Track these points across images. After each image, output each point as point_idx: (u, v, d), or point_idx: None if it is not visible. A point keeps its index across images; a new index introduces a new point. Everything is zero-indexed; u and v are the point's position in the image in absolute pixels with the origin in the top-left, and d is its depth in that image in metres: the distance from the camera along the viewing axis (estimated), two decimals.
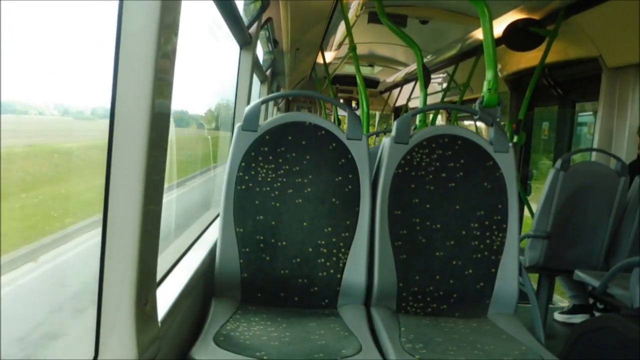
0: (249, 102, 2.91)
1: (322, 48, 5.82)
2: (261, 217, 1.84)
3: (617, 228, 3.10)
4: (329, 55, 6.60)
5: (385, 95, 10.27)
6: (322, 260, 1.86)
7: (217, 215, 1.96)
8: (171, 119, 1.19)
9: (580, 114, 4.66)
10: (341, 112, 7.12)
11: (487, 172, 1.94)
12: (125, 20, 1.01)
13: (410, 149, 1.94)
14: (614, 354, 1.85)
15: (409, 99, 8.07)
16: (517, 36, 3.90)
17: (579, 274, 2.77)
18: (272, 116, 1.94)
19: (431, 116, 5.62)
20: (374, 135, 7.61)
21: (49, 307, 1.26)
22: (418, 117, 3.75)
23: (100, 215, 1.06)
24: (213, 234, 2.09)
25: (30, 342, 1.12)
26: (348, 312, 1.80)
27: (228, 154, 1.88)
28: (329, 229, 1.87)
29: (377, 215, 1.88)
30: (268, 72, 5.19)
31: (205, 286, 1.83)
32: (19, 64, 0.94)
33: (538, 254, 3.08)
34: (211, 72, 2.97)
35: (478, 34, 4.64)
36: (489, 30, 2.34)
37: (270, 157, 1.87)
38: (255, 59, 3.14)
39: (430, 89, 5.13)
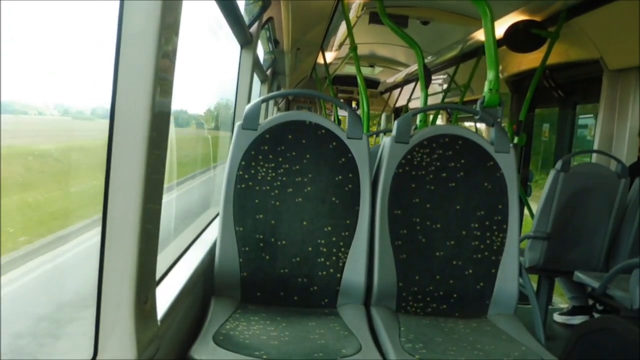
0: (249, 102, 2.90)
1: (322, 48, 5.81)
2: (261, 216, 1.84)
3: (617, 230, 3.10)
4: (330, 56, 6.59)
5: (386, 95, 10.26)
6: (322, 259, 1.85)
7: (217, 215, 1.96)
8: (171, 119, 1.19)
9: (581, 115, 4.65)
10: (341, 112, 7.12)
11: (488, 172, 1.93)
12: (126, 20, 1.01)
13: (410, 148, 1.93)
14: (613, 356, 1.85)
15: (409, 100, 8.07)
16: (518, 37, 3.90)
17: (579, 275, 2.78)
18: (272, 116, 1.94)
19: (432, 116, 5.61)
20: (375, 135, 7.60)
21: None
22: (419, 117, 3.74)
23: (67, 230, 1.01)
24: (213, 233, 2.09)
25: None
26: (348, 311, 1.80)
27: (227, 153, 1.88)
28: (329, 228, 1.86)
29: (377, 214, 1.88)
30: (268, 72, 5.19)
31: (204, 285, 1.83)
32: (16, 63, 0.93)
33: (538, 255, 3.08)
34: (211, 72, 2.97)
35: (479, 35, 4.64)
36: (490, 30, 2.34)
37: (270, 156, 1.86)
38: (255, 59, 3.14)
39: (430, 90, 5.12)
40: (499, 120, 2.09)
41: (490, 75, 2.21)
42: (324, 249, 1.86)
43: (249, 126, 1.87)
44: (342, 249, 1.86)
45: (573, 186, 2.99)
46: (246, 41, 2.89)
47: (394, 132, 1.95)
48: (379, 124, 11.19)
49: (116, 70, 1.02)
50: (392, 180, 1.91)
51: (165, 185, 1.20)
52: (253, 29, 2.91)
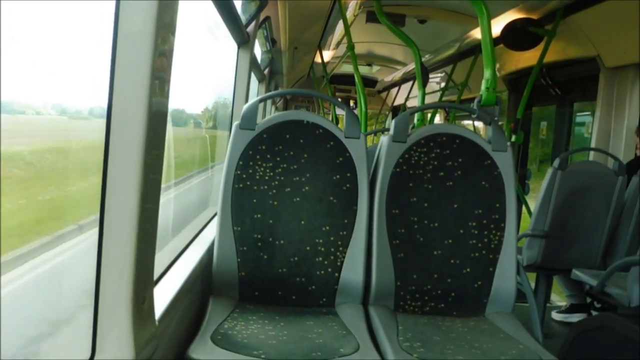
0: (246, 101, 2.90)
1: (320, 47, 5.81)
2: (259, 215, 1.84)
3: (615, 227, 3.11)
4: (327, 55, 6.59)
5: (384, 94, 10.26)
6: (320, 259, 1.86)
7: (215, 214, 1.96)
8: (168, 118, 1.19)
9: (578, 113, 4.66)
10: (339, 111, 7.12)
11: (485, 171, 1.94)
12: (122, 20, 1.01)
13: (408, 147, 1.94)
14: (611, 353, 1.85)
15: (407, 99, 8.07)
16: (515, 36, 3.91)
17: (577, 273, 2.78)
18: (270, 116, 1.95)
19: (429, 115, 5.62)
20: (373, 134, 7.60)
21: None
22: (416, 116, 3.75)
23: (26, 248, 0.94)
24: (211, 233, 2.09)
25: None
26: (346, 310, 1.80)
27: (225, 152, 1.88)
28: (327, 227, 1.87)
29: (375, 214, 1.88)
30: (266, 71, 5.18)
31: (202, 285, 1.83)
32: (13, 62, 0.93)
33: (536, 253, 3.08)
34: (210, 71, 2.97)
35: (476, 34, 4.64)
36: (487, 29, 2.34)
37: (268, 156, 1.86)
38: (253, 58, 3.14)
39: (428, 89, 5.13)
40: (496, 118, 2.09)
41: (487, 74, 2.21)
42: (322, 249, 1.86)
43: (247, 126, 1.87)
44: (340, 248, 1.86)
45: (570, 184, 3.00)
46: (243, 40, 2.88)
47: (391, 131, 1.95)
48: (384, 122, 11.16)
49: (113, 69, 1.02)
50: (389, 179, 1.91)
51: (163, 185, 1.20)
52: (250, 28, 2.91)
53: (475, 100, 2.19)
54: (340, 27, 5.00)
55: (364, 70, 8.81)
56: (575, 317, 3.48)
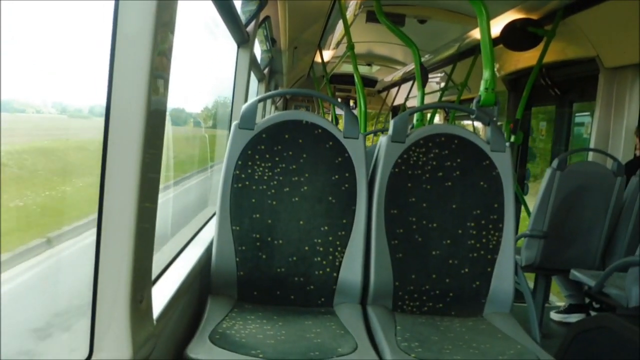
0: (246, 101, 2.90)
1: (320, 47, 5.82)
2: (257, 215, 1.84)
3: (614, 228, 3.12)
4: (327, 54, 6.59)
5: (384, 94, 10.27)
6: (319, 258, 1.86)
7: (214, 214, 1.96)
8: (167, 117, 1.19)
9: (577, 114, 4.67)
10: (339, 111, 7.12)
11: (484, 171, 1.94)
12: (121, 19, 1.01)
13: (407, 147, 1.94)
14: (609, 353, 1.85)
15: (406, 98, 8.08)
16: (515, 36, 3.91)
17: (575, 274, 2.78)
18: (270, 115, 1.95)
19: (429, 115, 5.62)
20: (373, 134, 7.61)
21: None
22: (415, 116, 3.75)
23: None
24: (210, 232, 2.09)
25: None
26: (344, 310, 1.80)
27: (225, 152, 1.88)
28: (326, 227, 1.87)
29: (373, 214, 1.88)
30: (266, 71, 5.18)
31: (201, 284, 1.83)
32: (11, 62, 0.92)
33: (535, 253, 3.09)
34: (210, 70, 2.97)
35: (476, 34, 4.65)
36: (486, 29, 2.34)
37: (267, 156, 1.87)
38: (252, 58, 3.14)
39: (428, 89, 5.14)
40: (494, 119, 2.09)
41: (486, 74, 2.22)
42: (321, 248, 1.86)
43: (246, 126, 1.87)
44: (339, 248, 1.86)
45: (569, 185, 3.00)
46: (243, 40, 2.88)
47: (390, 132, 1.95)
48: (385, 122, 11.15)
49: (111, 68, 1.02)
50: (388, 179, 1.91)
51: (162, 185, 1.19)
52: (250, 28, 2.91)
53: (474, 101, 2.19)
54: (340, 27, 5.01)
55: (363, 70, 8.82)
56: (574, 318, 3.48)
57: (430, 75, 6.35)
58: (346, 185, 1.89)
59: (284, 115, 1.92)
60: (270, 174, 1.86)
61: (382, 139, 1.97)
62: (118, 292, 1.04)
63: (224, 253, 1.82)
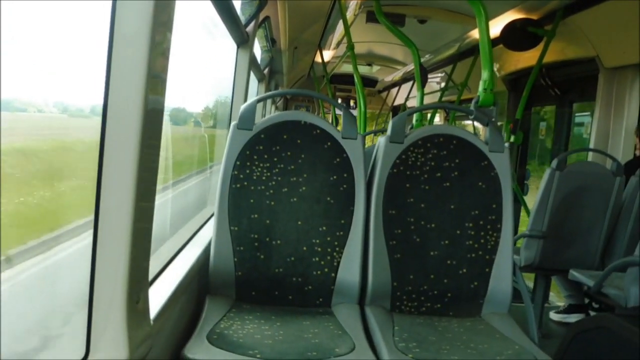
0: (245, 101, 2.90)
1: (320, 47, 5.82)
2: (256, 215, 1.85)
3: (613, 228, 3.11)
4: (327, 54, 6.59)
5: (384, 94, 10.26)
6: (317, 259, 1.86)
7: (212, 214, 1.96)
8: (167, 117, 1.18)
9: (577, 114, 4.66)
10: (339, 111, 7.11)
11: (482, 171, 1.94)
12: (119, 18, 1.01)
13: (405, 148, 1.94)
14: (608, 354, 1.85)
15: (407, 99, 8.07)
16: (514, 36, 3.91)
17: (574, 274, 2.78)
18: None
19: (429, 116, 5.62)
20: (373, 135, 7.60)
21: None
22: (415, 117, 3.75)
23: None
24: (208, 232, 2.09)
25: None
26: (342, 311, 1.80)
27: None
28: (324, 228, 1.87)
29: (371, 214, 1.88)
30: (266, 71, 5.18)
31: (199, 284, 1.83)
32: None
33: (534, 253, 3.08)
34: (210, 69, 2.96)
35: (476, 34, 4.64)
36: (485, 30, 2.34)
37: (266, 156, 1.87)
38: (252, 58, 3.14)
39: (428, 89, 5.14)
40: (493, 119, 2.09)
41: (485, 74, 2.21)
42: (319, 249, 1.86)
43: (244, 126, 1.87)
44: (337, 249, 1.86)
45: (569, 185, 3.00)
46: (242, 40, 2.88)
47: (388, 132, 1.95)
48: (385, 122, 11.14)
49: (109, 68, 1.02)
50: (386, 180, 1.91)
51: (161, 186, 1.19)
52: (250, 28, 2.91)
53: (473, 101, 2.19)
54: (340, 27, 5.01)
55: (363, 70, 8.81)
56: (573, 318, 3.48)
57: (430, 76, 6.34)
58: (344, 186, 1.89)
59: (283, 115, 1.92)
60: (268, 174, 1.86)
61: (381, 140, 1.97)
62: (115, 292, 1.04)
63: (222, 253, 1.82)
